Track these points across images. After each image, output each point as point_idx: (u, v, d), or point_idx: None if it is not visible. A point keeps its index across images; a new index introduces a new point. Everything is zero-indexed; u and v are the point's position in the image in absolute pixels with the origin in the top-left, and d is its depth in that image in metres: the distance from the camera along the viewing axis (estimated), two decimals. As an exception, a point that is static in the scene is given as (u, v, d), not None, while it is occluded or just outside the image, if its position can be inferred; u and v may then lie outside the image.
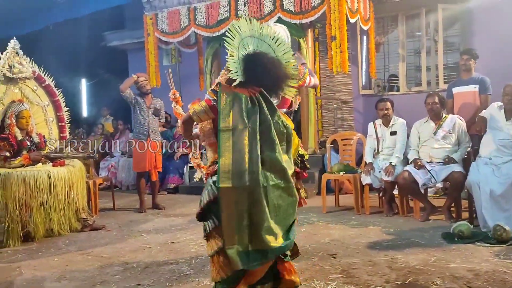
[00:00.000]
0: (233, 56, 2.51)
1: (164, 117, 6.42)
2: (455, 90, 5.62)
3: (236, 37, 2.53)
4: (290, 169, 2.48)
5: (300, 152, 3.40)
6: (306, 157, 3.52)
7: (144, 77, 6.11)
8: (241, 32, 2.53)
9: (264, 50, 2.49)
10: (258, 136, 2.33)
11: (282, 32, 3.41)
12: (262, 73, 2.42)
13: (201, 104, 2.61)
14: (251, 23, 2.54)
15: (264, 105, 2.42)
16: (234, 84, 2.46)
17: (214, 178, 2.46)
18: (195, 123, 2.85)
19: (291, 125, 3.26)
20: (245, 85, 2.45)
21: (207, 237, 2.51)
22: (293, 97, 2.85)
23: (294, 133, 3.30)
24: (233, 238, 2.31)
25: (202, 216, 2.51)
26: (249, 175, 2.28)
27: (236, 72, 2.47)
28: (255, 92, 2.44)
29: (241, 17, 6.53)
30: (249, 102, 2.41)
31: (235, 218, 2.30)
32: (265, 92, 2.45)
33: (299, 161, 3.42)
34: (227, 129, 2.37)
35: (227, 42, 2.56)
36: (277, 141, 2.36)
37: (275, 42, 2.52)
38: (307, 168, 3.53)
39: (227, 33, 2.59)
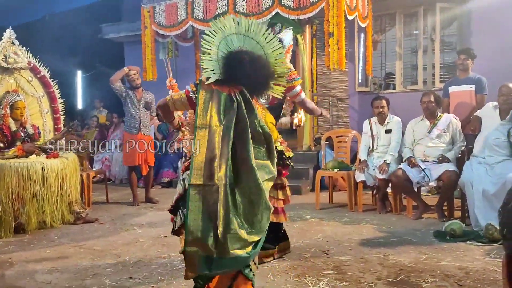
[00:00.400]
0: (210, 53, 2.44)
1: (155, 110, 6.38)
2: (451, 89, 5.62)
3: (217, 34, 2.45)
4: (268, 174, 2.36)
5: (278, 148, 3.33)
6: (288, 154, 3.45)
7: (135, 71, 6.06)
8: (225, 29, 2.45)
9: (252, 47, 2.43)
10: (231, 135, 2.27)
11: (289, 36, 3.46)
12: (243, 72, 2.36)
13: (180, 93, 2.60)
14: (238, 22, 2.46)
15: (242, 104, 2.35)
16: (209, 81, 2.40)
17: (185, 175, 2.42)
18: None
19: (271, 120, 3.23)
20: (226, 83, 2.40)
21: (176, 233, 2.46)
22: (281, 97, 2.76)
23: (273, 127, 3.26)
24: (195, 239, 2.19)
25: (172, 211, 2.49)
26: (218, 175, 2.21)
27: (212, 70, 2.41)
28: (235, 91, 2.38)
29: (237, 14, 6.57)
30: (228, 100, 2.36)
31: (201, 217, 2.20)
32: (245, 92, 2.39)
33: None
34: (204, 126, 2.32)
35: (204, 40, 2.47)
36: (250, 141, 2.29)
37: (265, 39, 2.45)
38: (287, 166, 3.46)
39: (206, 31, 2.52)
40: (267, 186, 2.35)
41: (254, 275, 2.39)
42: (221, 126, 2.29)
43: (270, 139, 2.41)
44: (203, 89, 2.42)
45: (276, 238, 3.53)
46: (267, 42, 2.46)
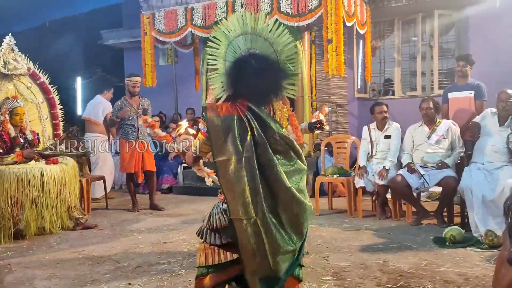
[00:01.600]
0: (217, 68, 2.27)
1: (150, 115, 6.37)
2: (450, 95, 5.63)
3: (222, 42, 2.27)
4: (299, 173, 2.31)
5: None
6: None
7: (138, 78, 6.04)
8: (230, 33, 2.27)
9: (260, 46, 2.26)
10: (256, 166, 2.17)
11: None
12: (250, 79, 2.20)
13: (199, 138, 2.47)
14: (242, 19, 2.26)
15: (255, 122, 2.22)
16: (221, 100, 2.27)
17: (225, 205, 2.34)
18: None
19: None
20: (233, 100, 2.25)
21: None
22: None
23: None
24: (253, 268, 2.24)
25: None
26: (253, 206, 2.16)
27: (222, 87, 2.26)
28: (243, 110, 2.22)
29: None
30: (240, 123, 2.22)
31: (251, 248, 2.20)
32: (253, 107, 2.24)
33: None
34: (223, 161, 2.22)
35: (210, 54, 2.31)
36: (275, 162, 2.20)
37: (274, 34, 2.26)
38: None
39: (209, 42, 2.35)
40: (302, 184, 2.33)
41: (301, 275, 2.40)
42: (242, 158, 2.18)
43: (292, 143, 2.32)
44: (211, 118, 2.27)
45: None
46: (276, 37, 2.27)
